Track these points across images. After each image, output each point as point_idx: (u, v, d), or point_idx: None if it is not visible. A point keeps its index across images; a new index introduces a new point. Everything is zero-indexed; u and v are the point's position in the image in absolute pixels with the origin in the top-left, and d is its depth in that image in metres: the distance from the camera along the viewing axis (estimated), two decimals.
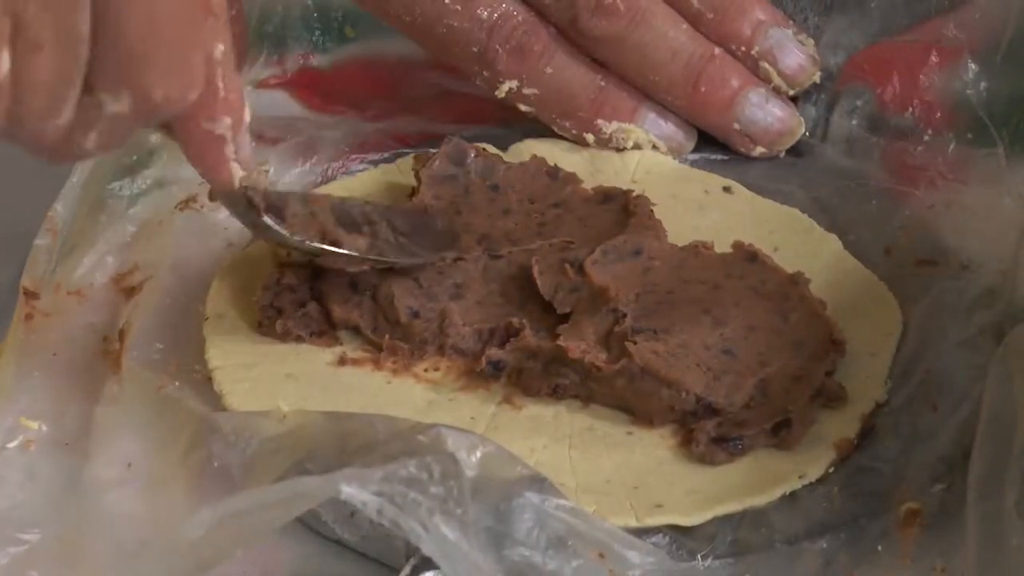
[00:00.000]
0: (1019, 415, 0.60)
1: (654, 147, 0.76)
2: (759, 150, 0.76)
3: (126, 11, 0.54)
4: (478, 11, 0.74)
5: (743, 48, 0.75)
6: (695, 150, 0.77)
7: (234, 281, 0.70)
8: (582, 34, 0.75)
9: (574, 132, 0.76)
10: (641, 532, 0.61)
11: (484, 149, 0.74)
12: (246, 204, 0.64)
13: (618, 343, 0.66)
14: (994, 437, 0.61)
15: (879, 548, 0.61)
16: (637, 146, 0.76)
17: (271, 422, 0.62)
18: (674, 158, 0.77)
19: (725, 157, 0.76)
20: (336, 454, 0.59)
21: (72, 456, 0.65)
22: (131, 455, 0.65)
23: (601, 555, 0.58)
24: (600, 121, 0.75)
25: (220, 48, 0.58)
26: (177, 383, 0.67)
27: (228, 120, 0.59)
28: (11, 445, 0.65)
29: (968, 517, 0.59)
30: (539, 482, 0.58)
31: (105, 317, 0.70)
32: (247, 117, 0.60)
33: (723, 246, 0.70)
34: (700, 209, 0.74)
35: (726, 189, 0.75)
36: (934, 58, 0.74)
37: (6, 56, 0.54)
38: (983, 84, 0.73)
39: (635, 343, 0.65)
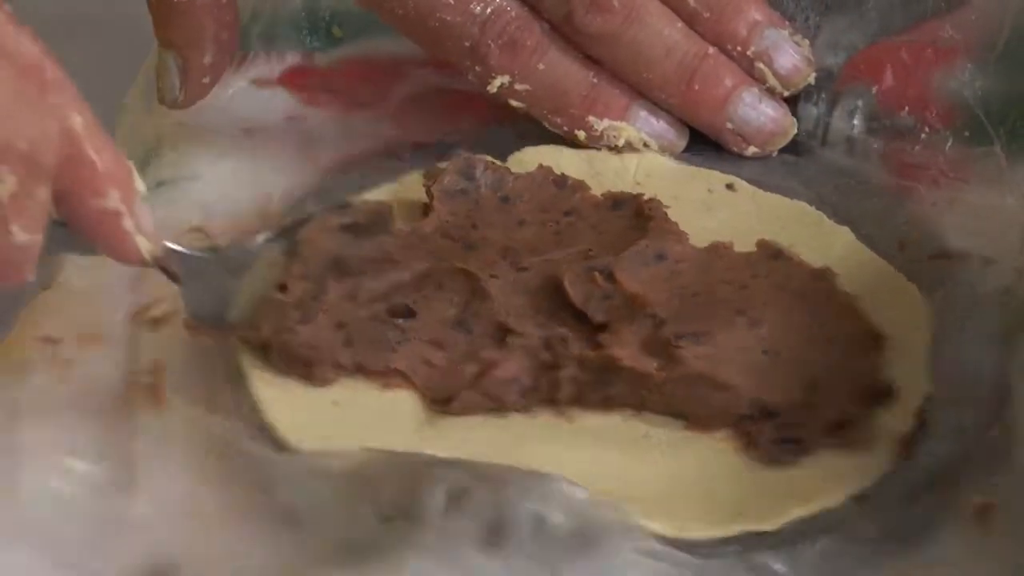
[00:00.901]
0: None
1: (645, 145, 0.75)
2: (752, 150, 0.75)
3: None
4: (471, 6, 0.72)
5: (739, 48, 0.74)
6: (687, 149, 0.76)
7: None
8: (576, 31, 0.73)
9: (565, 129, 0.74)
10: (719, 542, 0.61)
11: (492, 161, 0.72)
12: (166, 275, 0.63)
13: (663, 349, 0.65)
14: None
15: (952, 544, 0.61)
16: (629, 143, 0.75)
17: (337, 461, 0.60)
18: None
19: (718, 157, 0.75)
20: (405, 496, 0.58)
21: (117, 495, 0.61)
22: (178, 492, 0.61)
23: None
24: (591, 118, 0.74)
25: (78, 119, 0.56)
26: (221, 418, 0.63)
27: (116, 192, 0.58)
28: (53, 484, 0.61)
29: None
30: (629, 529, 0.58)
31: (130, 353, 0.66)
32: (140, 187, 0.59)
33: (738, 245, 0.70)
34: (707, 209, 0.73)
35: (729, 187, 0.74)
36: (931, 58, 0.75)
37: None
38: (979, 83, 0.74)
39: (680, 348, 0.65)
